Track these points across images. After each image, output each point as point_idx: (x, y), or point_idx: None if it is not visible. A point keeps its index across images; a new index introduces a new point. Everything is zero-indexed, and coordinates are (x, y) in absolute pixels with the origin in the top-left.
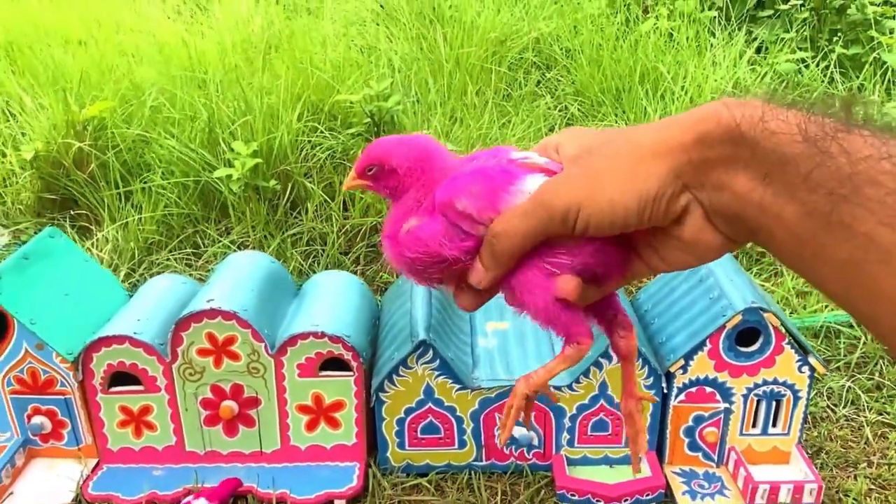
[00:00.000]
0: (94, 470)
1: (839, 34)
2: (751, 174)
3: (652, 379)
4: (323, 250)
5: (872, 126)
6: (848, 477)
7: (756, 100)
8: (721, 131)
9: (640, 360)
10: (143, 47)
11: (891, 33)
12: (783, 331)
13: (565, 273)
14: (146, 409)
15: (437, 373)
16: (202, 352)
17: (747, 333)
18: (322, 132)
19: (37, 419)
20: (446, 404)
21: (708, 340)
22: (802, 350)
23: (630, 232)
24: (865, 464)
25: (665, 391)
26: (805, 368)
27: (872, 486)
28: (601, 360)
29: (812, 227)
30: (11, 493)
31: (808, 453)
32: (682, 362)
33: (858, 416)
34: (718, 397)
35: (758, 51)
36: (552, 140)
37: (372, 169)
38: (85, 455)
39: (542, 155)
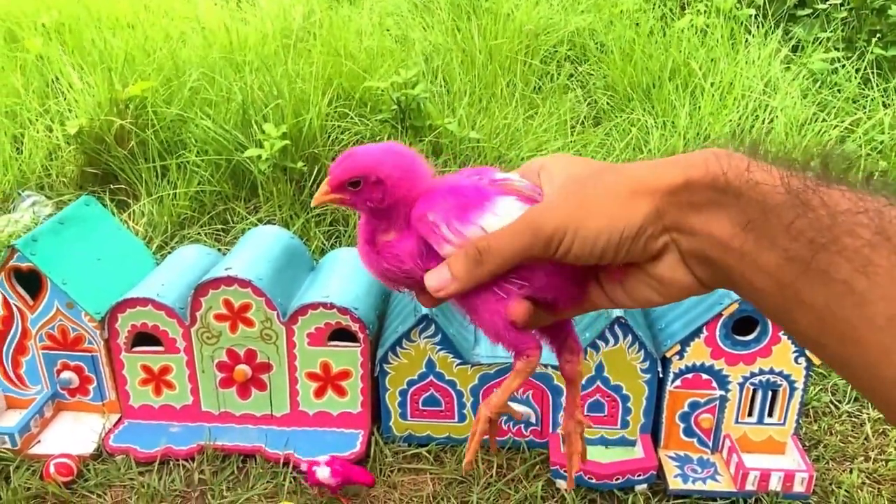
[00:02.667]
0: (115, 424)
1: (879, 35)
2: (733, 221)
3: (648, 363)
4: (346, 231)
5: (848, 182)
6: (843, 470)
7: (742, 153)
8: (709, 178)
9: (638, 344)
10: (187, 32)
11: None
12: None
13: (514, 298)
14: (166, 369)
15: (438, 347)
16: (219, 317)
17: (745, 322)
18: (352, 118)
19: (65, 374)
20: (447, 378)
21: (705, 328)
22: None
23: (595, 265)
24: (862, 458)
25: (661, 376)
26: (802, 360)
27: (866, 480)
28: (598, 341)
29: (791, 273)
30: (39, 442)
31: (806, 446)
32: (678, 348)
33: (861, 412)
34: (714, 384)
35: (794, 50)
36: (537, 162)
37: (357, 182)
38: (108, 410)
39: (523, 177)
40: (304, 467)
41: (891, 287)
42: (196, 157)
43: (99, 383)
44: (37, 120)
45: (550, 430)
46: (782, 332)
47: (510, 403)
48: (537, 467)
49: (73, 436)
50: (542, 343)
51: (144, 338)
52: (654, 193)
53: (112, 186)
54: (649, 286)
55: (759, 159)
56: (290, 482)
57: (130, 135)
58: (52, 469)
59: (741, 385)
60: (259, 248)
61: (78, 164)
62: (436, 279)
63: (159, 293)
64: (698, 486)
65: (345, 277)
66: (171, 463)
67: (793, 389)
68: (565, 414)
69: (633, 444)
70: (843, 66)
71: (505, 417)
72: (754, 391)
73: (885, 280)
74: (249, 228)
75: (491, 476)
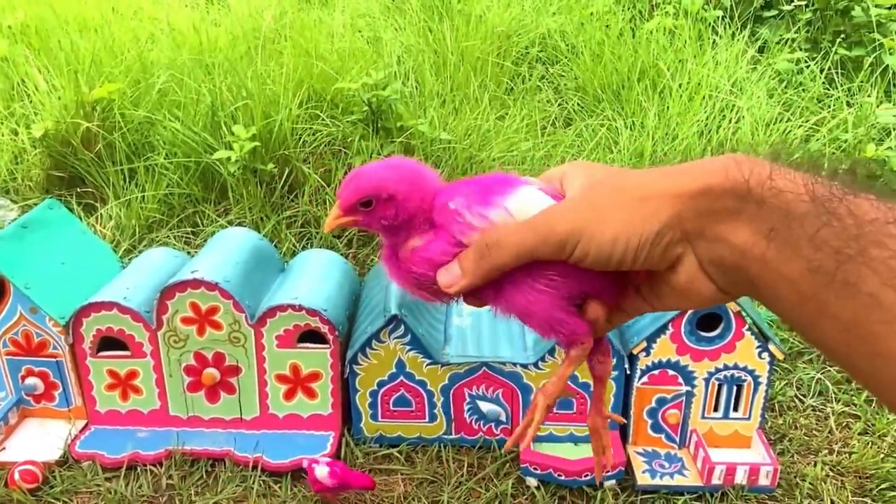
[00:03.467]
0: (82, 430)
1: (843, 35)
2: (754, 229)
3: (615, 360)
4: (317, 233)
5: (877, 190)
6: (808, 463)
7: (764, 158)
8: (729, 185)
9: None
10: (155, 33)
11: None
12: (744, 317)
13: (561, 294)
14: (133, 374)
15: (408, 347)
16: (186, 320)
17: (709, 318)
18: (323, 119)
19: (30, 380)
20: (417, 378)
21: (670, 324)
22: (763, 336)
23: (630, 271)
24: (826, 451)
25: (628, 373)
26: (765, 355)
27: (830, 473)
28: None
29: (815, 285)
30: (3, 449)
31: (771, 439)
32: (644, 344)
33: (825, 406)
34: (680, 380)
35: (760, 51)
36: (558, 171)
37: (368, 202)
38: (74, 416)
39: (545, 184)
40: (305, 464)
41: None
42: (164, 159)
43: (64, 389)
44: (1, 123)
45: None
46: (745, 327)
47: (482, 404)
48: (507, 465)
49: (38, 442)
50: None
51: (110, 342)
52: (672, 199)
53: (79, 190)
54: (672, 295)
55: (781, 166)
56: (260, 485)
57: (97, 137)
58: (16, 476)
59: (707, 380)
60: (227, 250)
61: (44, 167)
62: (446, 275)
63: (125, 297)
64: (666, 480)
65: (314, 278)
66: (139, 468)
67: (757, 384)
68: (592, 410)
69: None
70: (808, 66)
71: (476, 416)
72: (719, 386)
73: None
74: (219, 231)
75: (462, 475)
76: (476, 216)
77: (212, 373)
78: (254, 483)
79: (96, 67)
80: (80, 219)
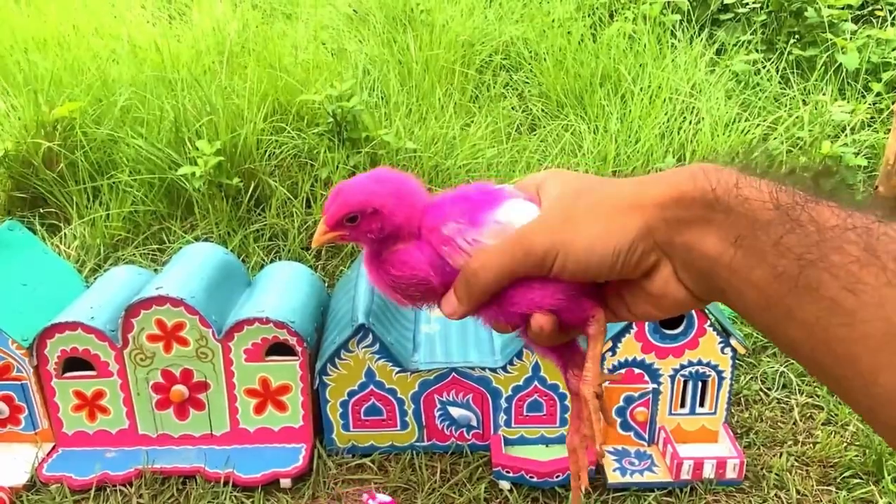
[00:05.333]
0: (49, 453)
1: (797, 36)
2: (722, 236)
3: None
4: (284, 245)
5: (838, 198)
6: (774, 455)
7: (731, 167)
8: (697, 194)
9: None
10: (117, 50)
11: (852, 35)
12: (705, 314)
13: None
14: (99, 394)
15: (377, 356)
16: (152, 337)
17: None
18: (289, 132)
19: None
20: (387, 387)
21: (634, 323)
22: (724, 332)
23: (601, 282)
24: (791, 442)
25: None
26: (727, 350)
27: (795, 463)
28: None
29: (780, 290)
30: None
31: (738, 433)
32: (610, 344)
33: (789, 398)
34: (647, 378)
35: (718, 53)
36: (536, 178)
37: (354, 217)
38: (42, 439)
39: (523, 191)
40: (364, 497)
41: (880, 305)
42: (129, 177)
43: (30, 412)
44: None
45: (492, 432)
46: (707, 323)
47: (453, 409)
48: (480, 470)
49: (4, 467)
50: (599, 313)
51: (75, 363)
52: (643, 209)
53: (42, 210)
54: (647, 302)
55: (748, 174)
56: (232, 501)
57: (59, 157)
58: None
59: (672, 377)
60: (191, 265)
61: (5, 188)
62: (447, 305)
63: (91, 316)
64: (636, 478)
65: (281, 291)
66: (108, 489)
67: (721, 379)
68: (570, 428)
69: None
70: (765, 66)
71: (448, 422)
72: (685, 383)
73: (874, 298)
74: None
75: (435, 481)
76: (470, 243)
77: (180, 390)
78: (226, 499)
79: (56, 86)
80: (44, 239)
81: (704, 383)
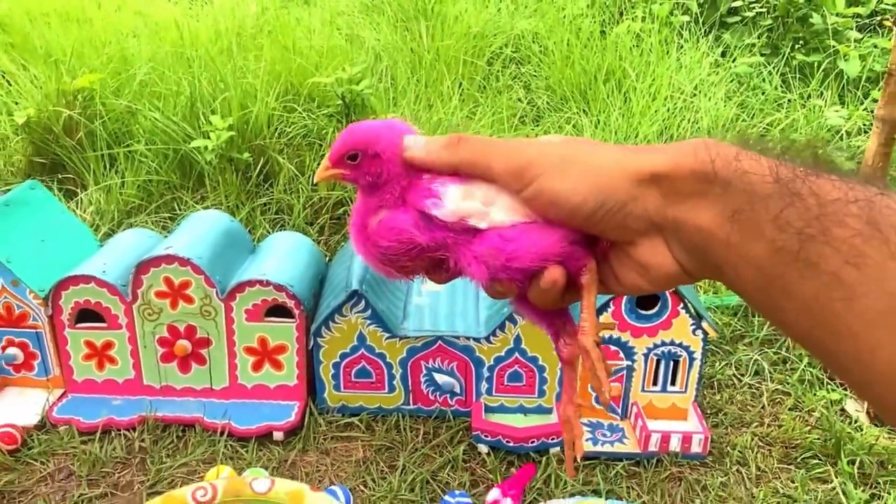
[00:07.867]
0: (59, 398)
1: (801, 41)
2: (718, 211)
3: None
4: (289, 219)
5: (839, 171)
6: (739, 435)
7: (732, 142)
8: (697, 167)
9: None
10: (138, 27)
11: (857, 43)
12: (679, 297)
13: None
14: (108, 345)
15: (368, 321)
16: (160, 294)
17: (647, 297)
18: (299, 112)
19: (11, 350)
20: (377, 351)
21: (611, 302)
22: (697, 315)
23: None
24: (757, 423)
25: None
26: (699, 332)
27: (759, 443)
28: (515, 315)
29: (779, 265)
30: None
31: (708, 413)
32: None
33: (760, 385)
34: (622, 355)
35: (723, 54)
36: (542, 138)
37: (355, 155)
38: (53, 385)
39: None
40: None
41: (882, 279)
42: (144, 147)
43: (43, 359)
44: None
45: (474, 399)
46: (681, 306)
47: (437, 376)
48: (461, 434)
49: (16, 409)
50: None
51: (88, 314)
52: (639, 175)
53: (60, 176)
54: (635, 271)
55: (749, 149)
56: (227, 448)
57: (79, 125)
58: None
59: (646, 356)
60: (199, 229)
61: (26, 153)
62: (412, 141)
63: (103, 271)
64: (606, 447)
65: (282, 258)
66: (113, 433)
67: (692, 360)
68: (564, 398)
69: (549, 411)
70: (767, 69)
71: (433, 388)
72: (658, 361)
73: (876, 272)
74: None
75: (418, 442)
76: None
77: (184, 344)
78: (222, 447)
79: (77, 59)
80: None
81: (676, 363)
